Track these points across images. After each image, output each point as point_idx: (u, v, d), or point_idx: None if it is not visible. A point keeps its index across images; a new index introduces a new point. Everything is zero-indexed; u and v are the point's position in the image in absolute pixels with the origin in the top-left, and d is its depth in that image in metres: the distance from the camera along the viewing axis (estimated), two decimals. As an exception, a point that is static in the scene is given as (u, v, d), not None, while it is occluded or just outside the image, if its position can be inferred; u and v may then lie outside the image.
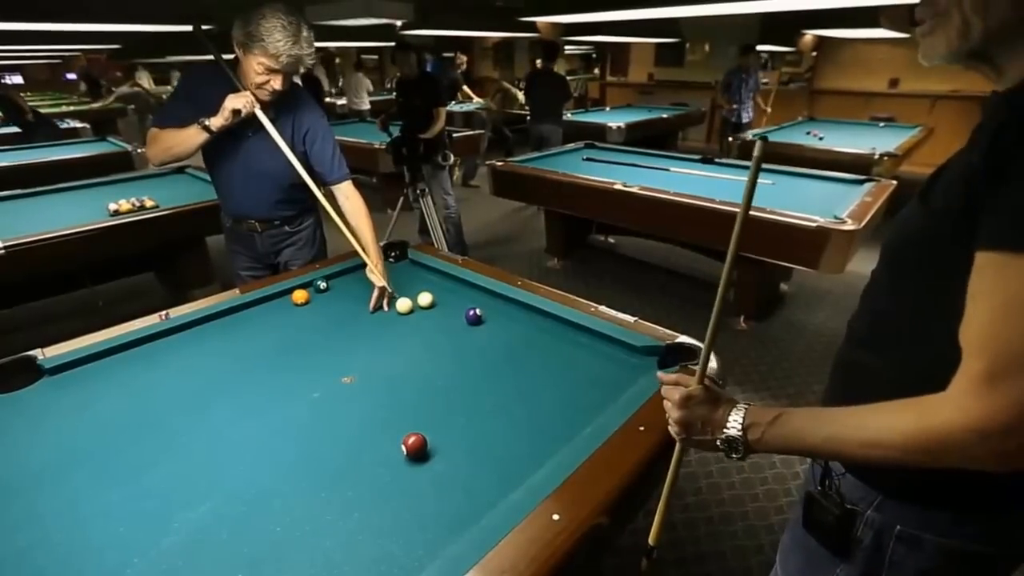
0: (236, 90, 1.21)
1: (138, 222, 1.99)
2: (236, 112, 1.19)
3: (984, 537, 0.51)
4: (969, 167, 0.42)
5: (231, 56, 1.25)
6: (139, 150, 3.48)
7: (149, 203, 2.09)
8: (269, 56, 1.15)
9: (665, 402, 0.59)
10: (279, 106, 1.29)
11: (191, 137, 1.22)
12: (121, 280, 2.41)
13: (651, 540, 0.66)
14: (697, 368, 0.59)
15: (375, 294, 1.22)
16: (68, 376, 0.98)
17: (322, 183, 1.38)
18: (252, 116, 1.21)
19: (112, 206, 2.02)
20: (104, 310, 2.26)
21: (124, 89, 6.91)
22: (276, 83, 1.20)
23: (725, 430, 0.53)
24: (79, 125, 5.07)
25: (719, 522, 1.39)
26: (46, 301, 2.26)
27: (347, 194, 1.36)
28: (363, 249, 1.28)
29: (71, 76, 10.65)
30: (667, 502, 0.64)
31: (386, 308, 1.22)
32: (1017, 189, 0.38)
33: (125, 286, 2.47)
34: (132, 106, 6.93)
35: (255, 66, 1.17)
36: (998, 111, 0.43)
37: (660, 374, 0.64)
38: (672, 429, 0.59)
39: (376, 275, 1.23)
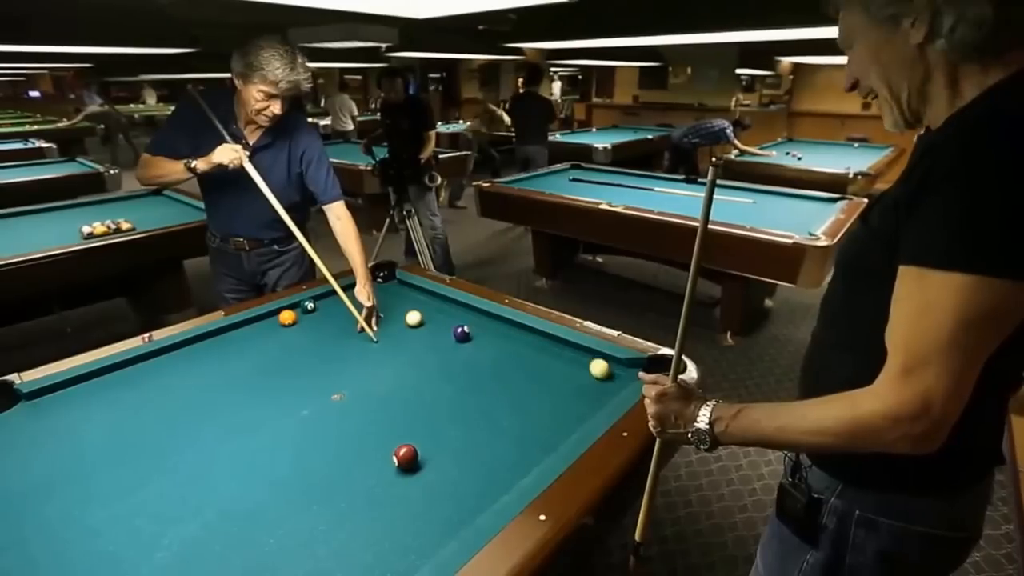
0: (217, 131, 1.34)
1: (114, 245, 2.02)
2: (222, 165, 1.30)
3: (934, 520, 0.59)
4: (896, 195, 0.52)
5: (226, 76, 1.36)
6: (112, 171, 3.52)
7: (125, 225, 2.12)
8: (268, 83, 1.26)
9: (644, 398, 0.68)
10: (277, 129, 1.41)
11: (176, 172, 1.35)
12: (90, 306, 2.41)
13: (637, 537, 0.73)
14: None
15: (363, 315, 1.29)
16: (48, 400, 1.01)
17: (316, 202, 1.49)
18: (240, 169, 1.31)
19: (86, 229, 2.04)
20: (72, 337, 2.25)
21: (94, 108, 6.95)
22: (275, 108, 1.31)
23: (695, 423, 0.62)
24: (44, 145, 5.06)
25: (709, 534, 1.46)
26: (9, 328, 2.24)
27: (338, 215, 1.46)
28: (341, 273, 1.37)
29: (34, 93, 10.66)
30: (650, 499, 0.71)
31: (374, 328, 1.28)
32: (926, 215, 0.47)
33: (94, 312, 2.46)
34: (102, 125, 6.97)
35: (255, 94, 1.29)
36: (917, 150, 0.55)
37: (641, 374, 0.72)
38: (649, 423, 0.67)
39: (364, 295, 1.31)
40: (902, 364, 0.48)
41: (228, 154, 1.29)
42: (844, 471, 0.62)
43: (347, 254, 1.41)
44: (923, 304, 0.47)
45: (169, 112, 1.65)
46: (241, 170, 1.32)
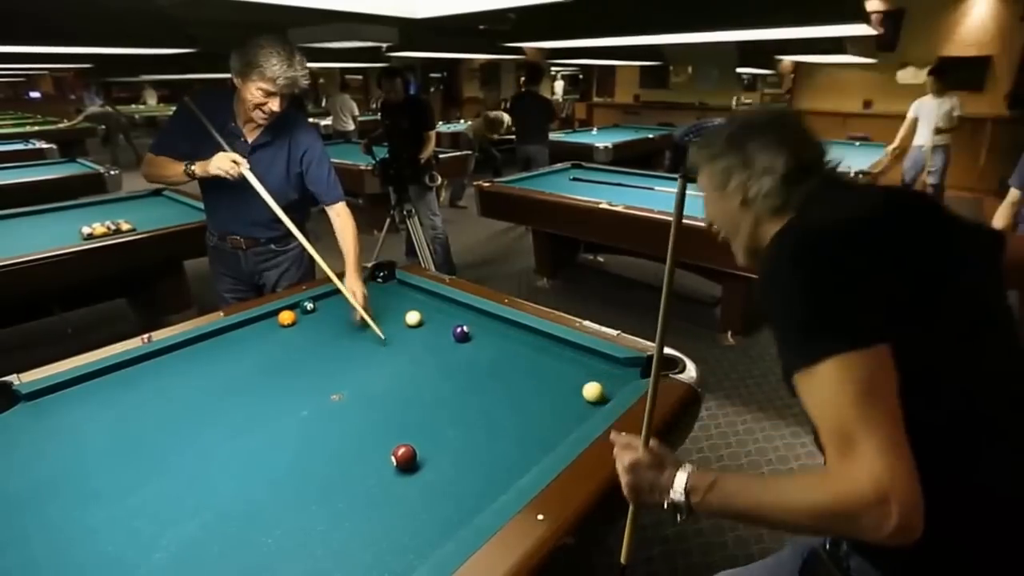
0: (217, 129, 1.36)
1: (114, 246, 2.02)
2: (219, 175, 1.33)
3: None
4: None
5: (226, 76, 1.38)
6: (112, 172, 3.53)
7: (125, 226, 2.12)
8: (266, 80, 1.28)
9: (617, 463, 0.65)
10: (277, 128, 1.42)
11: (176, 175, 1.40)
12: (91, 307, 2.41)
13: (622, 559, 0.72)
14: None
15: (360, 308, 1.28)
16: (47, 401, 1.01)
17: (318, 203, 1.51)
18: (240, 179, 1.34)
19: (86, 229, 2.05)
20: (73, 338, 2.25)
21: (94, 109, 6.97)
22: (273, 105, 1.32)
23: (670, 494, 0.59)
24: (45, 145, 5.06)
25: (710, 534, 1.45)
26: (10, 329, 2.25)
27: (338, 212, 1.47)
28: (343, 273, 1.36)
29: (35, 94, 10.69)
30: (634, 521, 0.70)
31: (370, 322, 1.24)
32: (777, 333, 0.57)
33: (95, 313, 2.46)
34: (103, 126, 6.99)
35: (254, 91, 1.30)
36: None
37: (613, 435, 0.69)
38: (624, 490, 0.65)
39: (349, 289, 1.30)
40: (837, 454, 0.50)
41: (225, 165, 1.31)
42: (891, 566, 0.59)
43: (342, 247, 1.43)
44: (821, 399, 0.52)
45: (170, 112, 1.69)
46: (241, 179, 1.33)
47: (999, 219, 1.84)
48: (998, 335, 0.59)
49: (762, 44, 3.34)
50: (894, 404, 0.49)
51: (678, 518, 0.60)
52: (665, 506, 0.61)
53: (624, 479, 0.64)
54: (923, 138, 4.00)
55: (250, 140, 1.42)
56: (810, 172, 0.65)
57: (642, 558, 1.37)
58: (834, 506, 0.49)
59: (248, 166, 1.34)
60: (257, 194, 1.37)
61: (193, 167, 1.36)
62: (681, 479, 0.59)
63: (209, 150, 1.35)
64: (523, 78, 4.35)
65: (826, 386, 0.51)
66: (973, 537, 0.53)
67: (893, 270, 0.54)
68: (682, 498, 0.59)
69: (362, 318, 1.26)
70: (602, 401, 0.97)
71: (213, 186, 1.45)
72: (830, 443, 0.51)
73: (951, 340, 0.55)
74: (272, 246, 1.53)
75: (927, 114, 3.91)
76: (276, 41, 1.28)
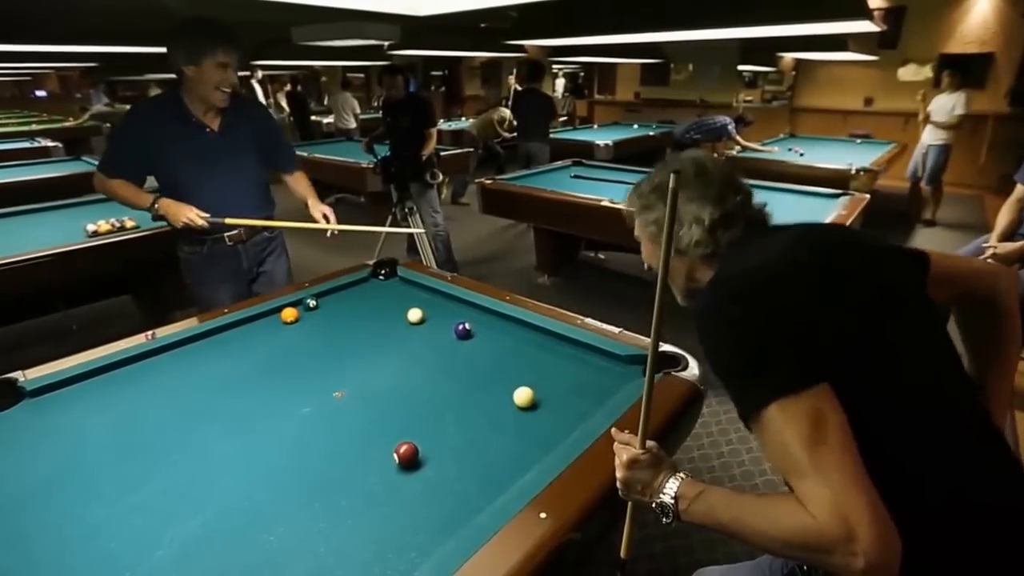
0: (179, 131, 1.40)
1: (118, 243, 2.02)
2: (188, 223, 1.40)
3: None
4: None
5: (165, 76, 1.47)
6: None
7: (129, 223, 2.12)
8: (220, 52, 1.34)
9: (615, 458, 0.66)
10: (232, 112, 1.46)
11: (139, 206, 1.44)
12: (95, 304, 2.41)
13: (622, 554, 0.72)
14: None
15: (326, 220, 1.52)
16: (51, 398, 1.01)
17: (281, 172, 1.62)
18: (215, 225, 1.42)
19: (91, 227, 2.04)
20: (78, 334, 2.25)
21: (99, 107, 6.96)
22: (232, 76, 1.39)
23: (661, 496, 0.61)
24: (50, 144, 5.06)
25: (699, 550, 1.45)
26: (14, 326, 2.25)
27: (298, 178, 1.63)
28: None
29: (40, 93, 10.67)
30: (633, 517, 0.70)
31: (330, 228, 1.50)
32: (723, 382, 0.58)
33: (99, 310, 2.46)
34: (108, 124, 6.98)
35: (213, 70, 1.34)
36: None
37: (614, 431, 0.70)
38: (617, 484, 0.66)
39: (318, 211, 1.54)
40: (798, 495, 0.50)
41: (196, 219, 1.39)
42: None
43: (300, 190, 1.60)
44: (772, 443, 0.53)
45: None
46: (211, 134, 1.41)
47: (1004, 215, 1.81)
48: (929, 354, 0.61)
49: (764, 41, 3.31)
50: (845, 439, 0.50)
51: (663, 520, 0.62)
52: (653, 506, 0.62)
53: (620, 474, 0.66)
54: (925, 135, 3.96)
55: (216, 129, 1.44)
56: (735, 219, 0.68)
57: (644, 554, 1.36)
58: (805, 540, 0.49)
59: (209, 215, 1.41)
60: (243, 177, 1.46)
61: (157, 204, 1.40)
62: (673, 484, 0.61)
63: (168, 170, 1.42)
64: (512, 75, 4.29)
65: (774, 431, 0.52)
66: (940, 556, 0.53)
67: (814, 307, 0.56)
68: (671, 502, 0.61)
69: (335, 232, 1.48)
70: (532, 406, 0.95)
71: (194, 195, 1.44)
72: (791, 484, 0.52)
73: (882, 368, 0.56)
74: (265, 233, 1.58)
75: (936, 111, 3.86)
76: (200, 22, 1.35)
